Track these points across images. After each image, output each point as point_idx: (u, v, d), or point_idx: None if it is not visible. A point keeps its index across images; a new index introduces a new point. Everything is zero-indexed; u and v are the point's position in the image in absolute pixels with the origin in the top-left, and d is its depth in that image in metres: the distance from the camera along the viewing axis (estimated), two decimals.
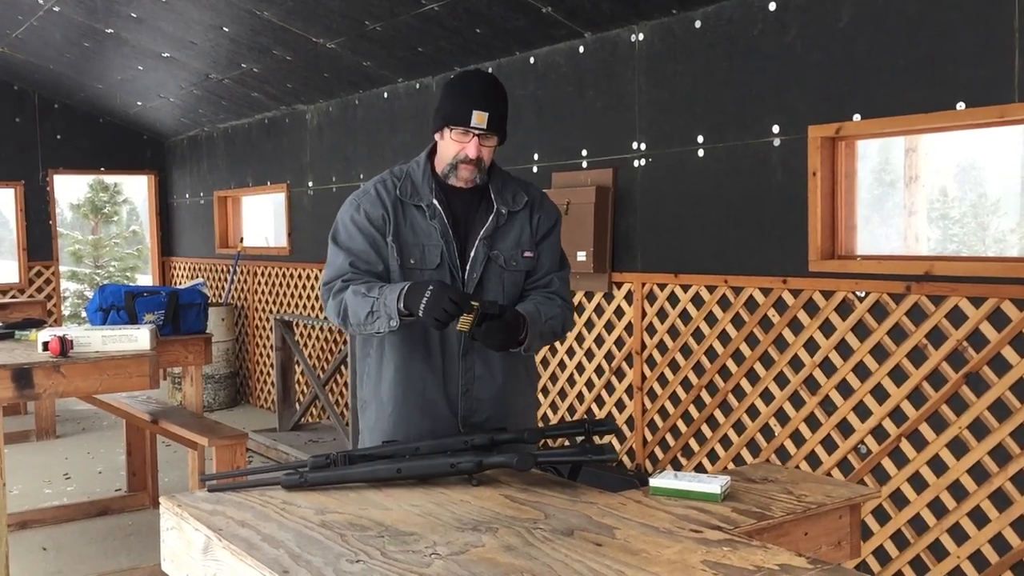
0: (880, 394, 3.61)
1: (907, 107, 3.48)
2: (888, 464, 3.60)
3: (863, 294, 3.65)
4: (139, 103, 8.57)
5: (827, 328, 3.78)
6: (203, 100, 7.86)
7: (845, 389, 3.73)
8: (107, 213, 19.47)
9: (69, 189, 20.88)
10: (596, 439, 2.42)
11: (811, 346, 3.85)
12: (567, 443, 2.36)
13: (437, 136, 2.51)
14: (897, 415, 3.57)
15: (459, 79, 2.50)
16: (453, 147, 2.44)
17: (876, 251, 3.76)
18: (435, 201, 2.47)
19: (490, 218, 2.50)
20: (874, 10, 3.55)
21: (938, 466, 3.45)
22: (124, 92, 8.32)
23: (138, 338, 4.10)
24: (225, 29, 5.95)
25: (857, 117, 3.63)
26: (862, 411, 3.68)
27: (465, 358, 2.48)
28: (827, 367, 3.79)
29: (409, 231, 2.46)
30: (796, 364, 3.91)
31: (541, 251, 2.58)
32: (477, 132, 2.41)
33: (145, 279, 18.27)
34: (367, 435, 2.56)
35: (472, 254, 2.48)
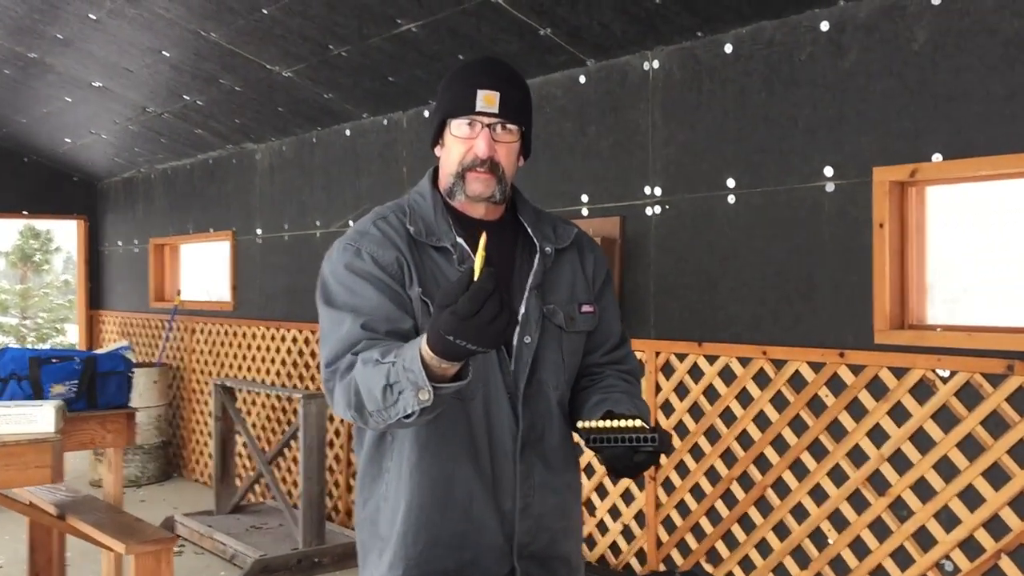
0: (972, 498, 2.92)
1: (1004, 145, 2.84)
2: None
3: (947, 373, 2.98)
4: (68, 140, 7.72)
5: (899, 414, 3.10)
6: (140, 137, 7.05)
7: (924, 490, 3.04)
8: (37, 261, 18.41)
9: None
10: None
11: (877, 435, 3.15)
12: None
13: (438, 149, 1.84)
14: (995, 526, 2.87)
15: (459, 66, 1.84)
16: (458, 149, 1.77)
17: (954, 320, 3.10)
18: (460, 240, 1.75)
19: (535, 260, 1.81)
20: (960, 28, 2.93)
21: None
22: (51, 127, 7.48)
23: (38, 418, 3.27)
24: (165, 53, 5.20)
25: (937, 157, 2.99)
26: (947, 519, 2.98)
27: (523, 456, 1.75)
28: (899, 462, 3.10)
29: (432, 283, 1.73)
30: (857, 456, 3.21)
31: (603, 308, 1.92)
32: (487, 121, 1.74)
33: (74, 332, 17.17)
34: None
35: (522, 310, 1.77)
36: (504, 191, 1.80)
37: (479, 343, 1.38)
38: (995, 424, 2.87)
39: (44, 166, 8.55)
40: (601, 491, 4.14)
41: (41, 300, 18.31)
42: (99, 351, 4.08)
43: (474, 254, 1.73)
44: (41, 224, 17.76)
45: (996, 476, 2.87)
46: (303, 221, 5.99)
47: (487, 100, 1.73)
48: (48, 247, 18.60)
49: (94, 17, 4.93)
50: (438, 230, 1.77)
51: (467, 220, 1.81)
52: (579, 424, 1.70)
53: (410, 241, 1.75)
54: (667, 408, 3.84)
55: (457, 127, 1.76)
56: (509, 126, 1.77)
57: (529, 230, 1.85)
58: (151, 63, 5.40)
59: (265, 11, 4.34)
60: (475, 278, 1.37)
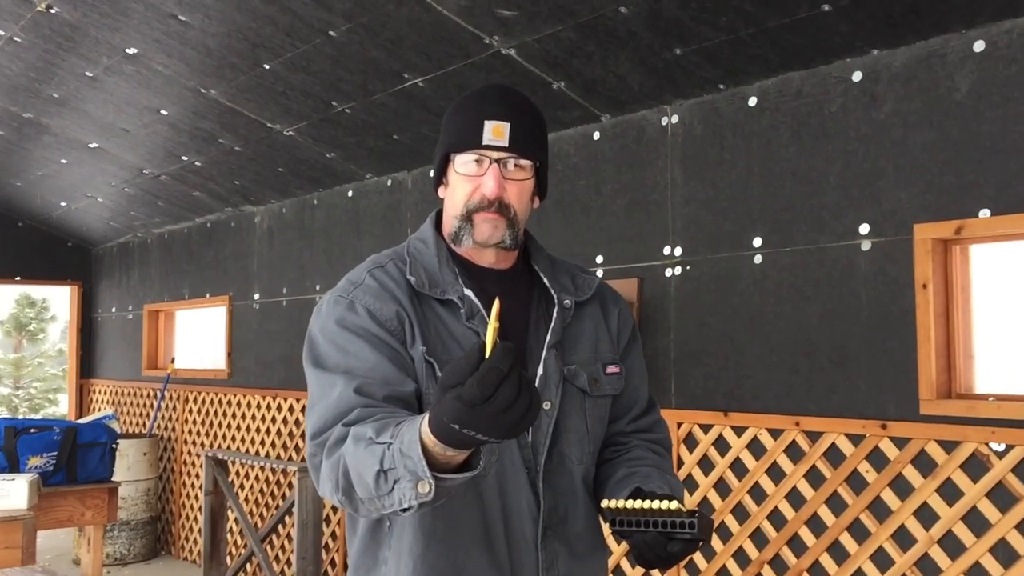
0: None
1: None
2: None
3: (1001, 447, 2.73)
4: (63, 204, 7.56)
5: (949, 491, 2.83)
6: (136, 200, 6.88)
7: None
8: (32, 330, 18.16)
9: None
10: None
11: (926, 515, 2.89)
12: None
13: (441, 190, 1.62)
14: None
15: (465, 95, 1.63)
16: (463, 188, 1.55)
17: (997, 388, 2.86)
18: (468, 292, 1.53)
19: (553, 315, 1.58)
20: (1006, 75, 2.75)
21: None
22: (46, 191, 7.31)
23: (11, 492, 3.01)
24: (163, 112, 5.04)
25: (985, 213, 2.78)
26: None
27: (544, 543, 1.52)
28: (951, 545, 2.83)
29: (437, 340, 1.49)
30: (903, 539, 2.94)
31: (630, 368, 1.68)
32: (495, 156, 1.52)
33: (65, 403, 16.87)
34: None
35: (540, 371, 1.53)
36: (516, 235, 1.57)
37: (491, 434, 1.12)
38: None
39: (38, 231, 8.38)
40: (618, 574, 3.85)
41: (35, 369, 18.01)
42: (81, 421, 3.82)
43: (484, 308, 1.51)
44: (38, 292, 17.58)
45: None
46: (302, 285, 5.78)
47: (496, 132, 1.51)
48: (43, 315, 18.37)
49: (91, 75, 4.79)
50: (442, 281, 1.55)
51: (475, 269, 1.59)
52: (604, 504, 1.46)
53: (411, 293, 1.53)
54: (691, 483, 3.58)
55: (462, 163, 1.54)
56: (521, 162, 1.55)
57: (545, 280, 1.63)
58: (148, 122, 5.25)
59: (267, 66, 4.18)
60: (487, 354, 1.11)
